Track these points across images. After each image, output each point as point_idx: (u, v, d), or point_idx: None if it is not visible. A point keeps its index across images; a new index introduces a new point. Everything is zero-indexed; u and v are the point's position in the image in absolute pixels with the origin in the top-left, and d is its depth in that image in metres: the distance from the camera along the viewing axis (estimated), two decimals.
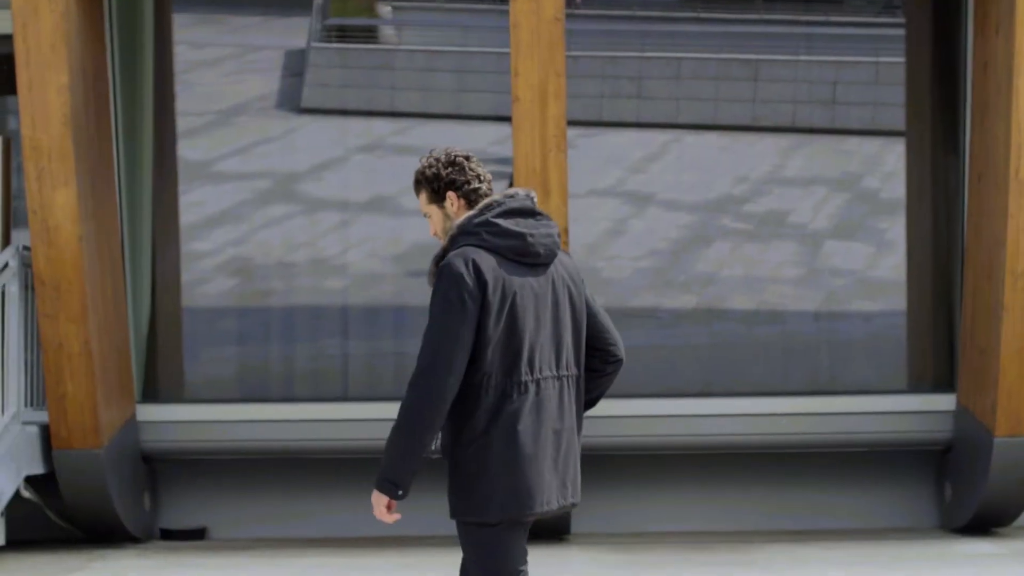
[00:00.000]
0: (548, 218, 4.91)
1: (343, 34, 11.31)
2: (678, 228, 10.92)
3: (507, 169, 10.52)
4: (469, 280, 4.70)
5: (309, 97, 11.10)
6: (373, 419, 9.62)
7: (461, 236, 4.82)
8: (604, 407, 10.12)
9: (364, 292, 10.76)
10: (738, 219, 10.91)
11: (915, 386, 10.58)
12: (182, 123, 10.84)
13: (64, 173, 9.17)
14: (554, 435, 4.81)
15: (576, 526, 10.19)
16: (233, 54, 11.13)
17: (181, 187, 10.75)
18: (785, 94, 11.01)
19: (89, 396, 9.41)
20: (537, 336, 4.78)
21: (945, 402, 10.18)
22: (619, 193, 10.98)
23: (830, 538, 9.94)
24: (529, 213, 4.87)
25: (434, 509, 10.26)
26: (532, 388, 4.76)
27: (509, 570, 4.85)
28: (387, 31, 11.56)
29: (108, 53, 9.93)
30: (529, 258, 4.82)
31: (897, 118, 10.81)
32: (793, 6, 11.11)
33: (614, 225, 10.96)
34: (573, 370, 4.88)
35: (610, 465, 10.37)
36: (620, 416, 10.14)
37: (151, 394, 10.43)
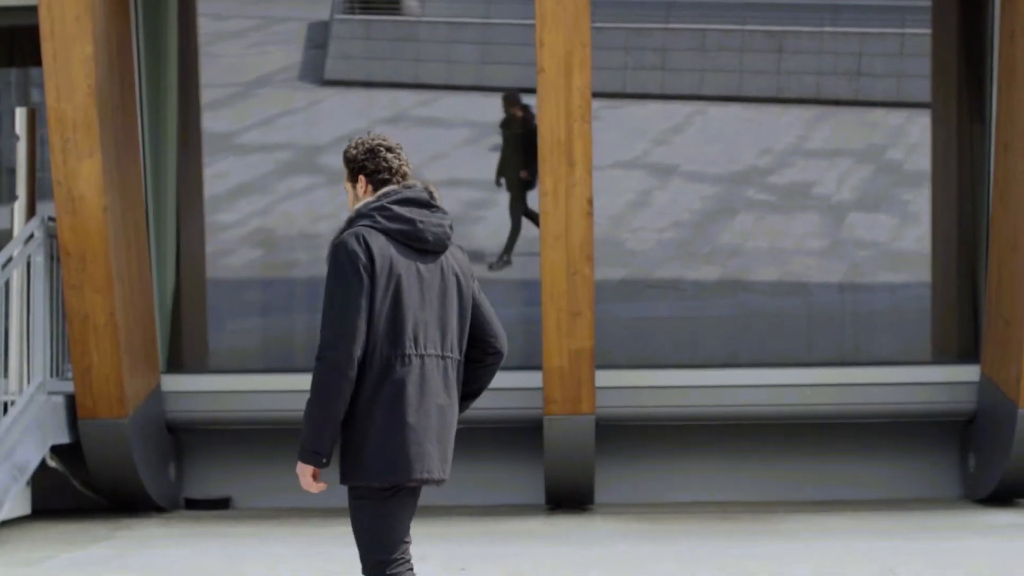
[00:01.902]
0: (443, 211, 5.24)
1: (366, 6, 11.29)
2: (702, 200, 10.90)
3: None
4: (361, 255, 5.01)
5: (332, 69, 11.10)
6: None
7: (357, 219, 5.16)
8: (629, 377, 10.25)
9: None
10: (762, 191, 10.88)
11: (939, 357, 10.56)
12: (206, 95, 10.85)
13: (89, 144, 9.19)
14: (437, 409, 5.08)
15: (600, 496, 10.21)
16: (256, 26, 11.12)
17: (205, 159, 10.76)
18: (810, 66, 10.97)
19: (114, 366, 9.45)
20: (422, 315, 5.09)
21: (969, 373, 10.16)
22: (643, 165, 10.97)
23: (854, 508, 9.94)
24: (424, 204, 5.19)
25: (466, 481, 10.37)
26: (416, 362, 5.05)
27: (394, 539, 5.08)
28: (410, 3, 11.53)
29: (132, 25, 9.93)
30: (418, 243, 5.14)
31: (922, 90, 10.77)
32: None
33: (638, 197, 10.95)
34: (457, 355, 5.18)
35: (634, 436, 10.40)
36: (644, 387, 10.17)
37: (175, 364, 10.48)
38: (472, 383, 5.27)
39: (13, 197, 9.74)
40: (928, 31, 10.69)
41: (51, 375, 9.48)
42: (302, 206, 10.83)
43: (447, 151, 10.97)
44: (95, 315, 9.37)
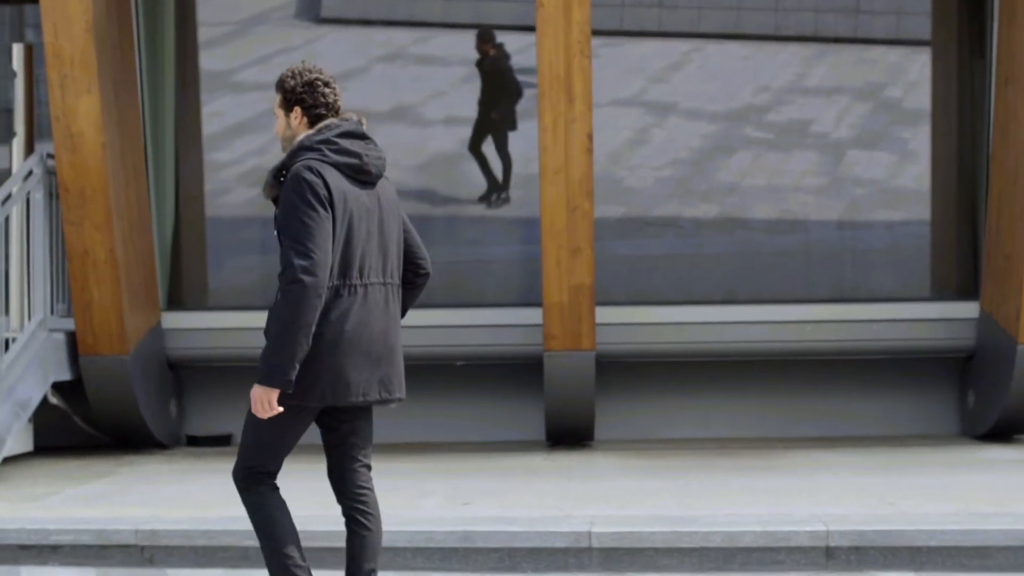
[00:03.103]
0: (375, 143, 5.41)
1: None
2: (700, 137, 10.88)
3: (529, 79, 10.48)
4: (320, 188, 5.16)
5: (329, 7, 11.04)
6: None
7: (302, 151, 5.27)
8: (628, 314, 10.26)
9: None
10: (760, 128, 10.86)
11: (938, 294, 10.58)
12: (203, 33, 10.80)
13: (87, 80, 9.15)
14: (380, 335, 5.30)
15: (599, 433, 10.25)
16: None
17: (203, 97, 10.72)
18: (807, 3, 10.93)
19: (114, 303, 9.45)
20: (368, 246, 5.29)
21: (968, 309, 10.18)
22: (641, 103, 10.94)
23: (853, 444, 9.99)
24: (360, 136, 5.35)
25: (467, 418, 10.41)
26: (361, 291, 5.26)
27: (283, 451, 5.36)
28: None
29: None
30: (363, 176, 5.29)
31: (921, 27, 10.73)
32: None
33: (636, 135, 10.93)
34: (397, 279, 5.40)
35: (633, 372, 10.43)
36: (643, 323, 10.19)
37: (176, 302, 10.48)
38: (404, 303, 5.49)
39: (11, 135, 9.70)
40: None
41: (51, 312, 9.48)
42: None
43: (445, 89, 10.93)
44: (95, 251, 9.37)
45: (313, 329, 5.12)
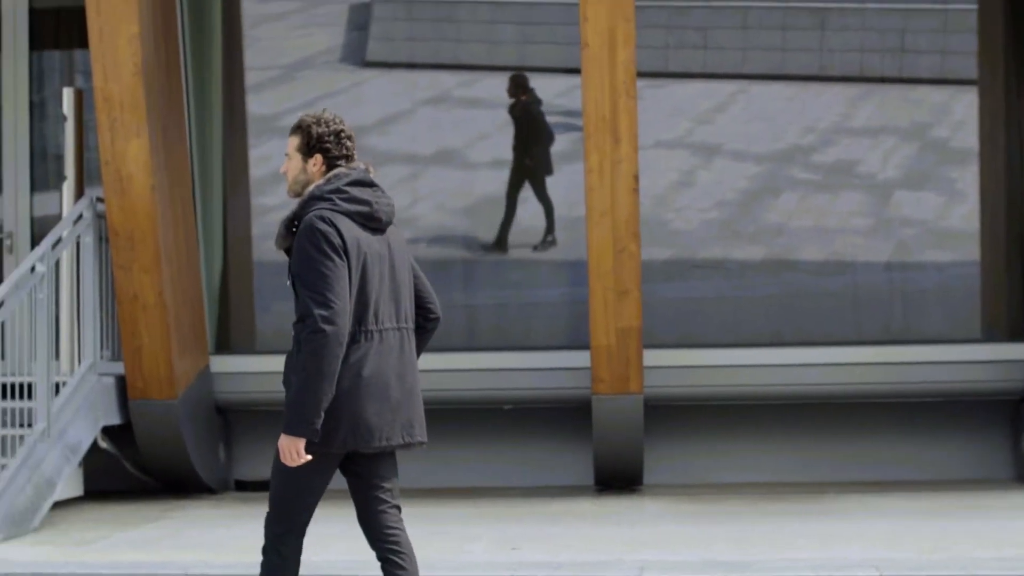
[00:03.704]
0: (383, 190, 5.50)
1: None
2: (746, 179, 10.86)
3: (574, 121, 10.49)
4: (334, 237, 5.27)
5: (374, 51, 11.09)
6: (441, 369, 9.68)
7: (314, 201, 5.37)
8: (676, 357, 10.21)
9: (433, 245, 10.76)
10: (806, 169, 10.83)
11: (989, 335, 10.50)
12: (250, 77, 10.86)
13: (136, 123, 9.21)
14: (397, 379, 5.38)
15: (648, 477, 10.20)
16: (298, 8, 11.12)
17: (250, 140, 10.77)
18: (852, 43, 10.91)
19: (164, 347, 9.47)
20: (381, 291, 5.39)
21: (1020, 351, 10.10)
22: (686, 144, 10.92)
23: (904, 488, 9.90)
24: (369, 184, 5.45)
25: (514, 462, 10.38)
26: (376, 337, 5.36)
27: (311, 503, 5.38)
28: None
29: (177, 5, 9.94)
30: (373, 223, 5.40)
31: (967, 66, 10.69)
32: None
33: (681, 176, 10.91)
34: (411, 324, 5.49)
35: (682, 416, 10.37)
36: (691, 366, 10.15)
37: (224, 346, 10.50)
38: (416, 348, 5.55)
39: (61, 179, 9.76)
40: (974, 6, 10.61)
41: (101, 356, 9.51)
42: None
43: (490, 132, 10.95)
44: (144, 295, 9.40)
45: (336, 377, 5.21)
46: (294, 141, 5.48)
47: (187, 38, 10.13)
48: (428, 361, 10.01)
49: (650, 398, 9.90)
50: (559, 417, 10.31)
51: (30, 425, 8.79)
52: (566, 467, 10.34)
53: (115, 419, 9.55)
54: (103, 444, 9.59)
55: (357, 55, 11.05)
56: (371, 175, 5.45)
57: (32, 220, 10.64)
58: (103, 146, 9.25)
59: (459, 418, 10.12)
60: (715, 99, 11.01)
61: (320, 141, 5.41)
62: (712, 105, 11.02)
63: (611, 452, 9.81)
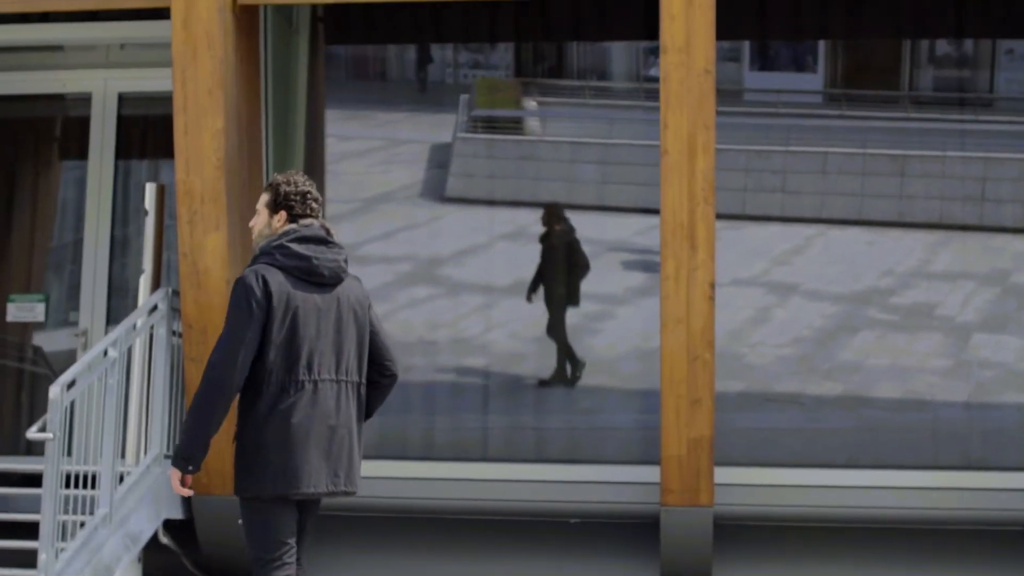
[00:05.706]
0: (340, 247, 5.86)
1: (489, 125, 11.44)
2: (823, 317, 10.78)
3: (651, 258, 10.50)
4: (257, 291, 5.58)
5: (453, 187, 11.22)
6: (512, 480, 9.56)
7: (260, 256, 5.79)
8: (747, 475, 10.02)
9: (505, 370, 10.72)
10: (884, 310, 10.74)
11: None
12: (329, 209, 10.99)
13: (216, 216, 9.32)
14: (328, 429, 5.61)
15: None
16: (380, 146, 11.31)
17: None
18: (932, 190, 10.91)
19: (227, 443, 9.39)
20: (316, 343, 5.62)
21: None
22: (762, 283, 10.89)
23: None
24: (321, 241, 5.79)
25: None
26: (309, 387, 5.58)
27: (277, 540, 5.71)
28: (532, 123, 11.67)
29: (263, 105, 10.14)
30: (315, 277, 5.70)
31: None
32: (940, 107, 11.06)
33: (757, 313, 10.85)
34: (354, 377, 5.72)
35: (751, 535, 10.13)
36: (763, 485, 9.96)
37: None
38: (369, 402, 5.84)
39: (139, 273, 9.87)
40: None
41: (168, 448, 9.46)
42: (421, 315, 10.86)
43: None
44: None
45: (216, 421, 5.58)
46: (264, 197, 5.87)
47: (270, 143, 10.29)
48: (494, 471, 9.97)
49: (720, 515, 9.68)
50: (626, 532, 10.09)
51: (92, 513, 8.72)
52: None
53: (177, 513, 9.45)
54: (164, 539, 9.47)
55: (437, 191, 11.18)
56: (323, 232, 5.75)
57: (108, 320, 10.73)
58: (182, 239, 9.36)
59: (525, 530, 9.93)
60: (793, 241, 11.00)
61: (286, 199, 5.77)
62: (790, 247, 11.01)
63: (680, 567, 9.57)
